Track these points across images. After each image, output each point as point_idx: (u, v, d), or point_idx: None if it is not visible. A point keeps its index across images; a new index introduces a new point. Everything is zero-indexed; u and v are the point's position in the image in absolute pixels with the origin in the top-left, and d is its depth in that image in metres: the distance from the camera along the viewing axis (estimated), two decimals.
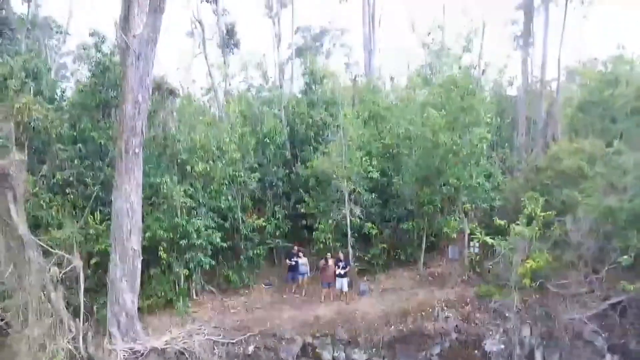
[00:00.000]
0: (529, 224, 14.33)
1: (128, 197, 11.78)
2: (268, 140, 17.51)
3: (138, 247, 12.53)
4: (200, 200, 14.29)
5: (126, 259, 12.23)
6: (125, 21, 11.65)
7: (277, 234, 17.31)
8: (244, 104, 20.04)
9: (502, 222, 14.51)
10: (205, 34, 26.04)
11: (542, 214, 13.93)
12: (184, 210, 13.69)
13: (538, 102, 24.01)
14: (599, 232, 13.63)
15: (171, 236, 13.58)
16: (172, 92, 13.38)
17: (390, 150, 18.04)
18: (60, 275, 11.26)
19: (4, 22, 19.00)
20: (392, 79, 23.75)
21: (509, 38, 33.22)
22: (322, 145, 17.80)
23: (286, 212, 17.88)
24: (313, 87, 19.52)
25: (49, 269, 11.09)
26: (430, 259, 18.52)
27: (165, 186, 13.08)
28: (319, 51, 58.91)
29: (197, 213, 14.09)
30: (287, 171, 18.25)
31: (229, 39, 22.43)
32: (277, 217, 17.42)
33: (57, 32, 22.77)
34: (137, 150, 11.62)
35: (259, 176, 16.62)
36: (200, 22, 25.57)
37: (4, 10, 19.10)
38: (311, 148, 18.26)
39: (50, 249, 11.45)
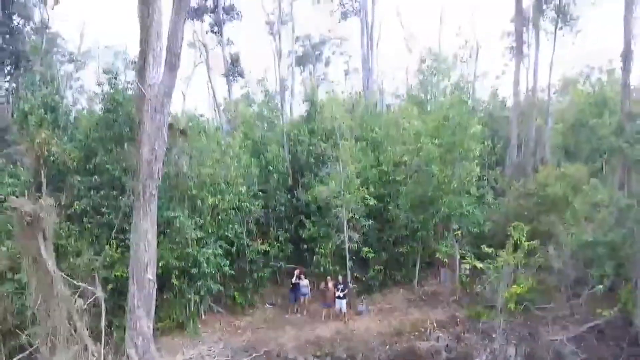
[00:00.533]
0: (514, 251, 15.44)
1: (145, 235, 12.83)
2: (271, 168, 18.60)
3: (153, 278, 13.58)
4: (210, 231, 15.38)
5: (143, 288, 13.29)
6: (142, 71, 12.68)
7: (280, 256, 18.43)
8: (247, 129, 21.16)
9: (490, 250, 15.60)
10: (207, 44, 26.98)
11: (527, 242, 15.02)
12: (195, 241, 14.78)
13: (529, 122, 25.11)
14: (579, 260, 14.72)
15: (183, 265, 14.68)
16: (182, 132, 14.44)
17: (387, 176, 19.14)
18: (85, 306, 12.34)
19: (21, 54, 20.05)
20: (388, 107, 24.73)
21: (505, 49, 34.44)
22: (322, 171, 18.91)
23: (288, 235, 19.00)
24: (313, 114, 20.58)
25: (75, 301, 12.17)
26: (424, 278, 19.67)
27: (178, 221, 14.18)
28: (319, 59, 60.15)
29: (206, 242, 15.19)
30: (289, 196, 19.36)
31: (233, 68, 23.48)
32: (280, 240, 18.55)
33: (69, 61, 23.81)
34: (153, 192, 12.67)
35: (263, 203, 17.73)
36: (205, 46, 26.69)
37: (20, 43, 20.17)
38: (312, 174, 19.35)
39: (76, 283, 12.53)
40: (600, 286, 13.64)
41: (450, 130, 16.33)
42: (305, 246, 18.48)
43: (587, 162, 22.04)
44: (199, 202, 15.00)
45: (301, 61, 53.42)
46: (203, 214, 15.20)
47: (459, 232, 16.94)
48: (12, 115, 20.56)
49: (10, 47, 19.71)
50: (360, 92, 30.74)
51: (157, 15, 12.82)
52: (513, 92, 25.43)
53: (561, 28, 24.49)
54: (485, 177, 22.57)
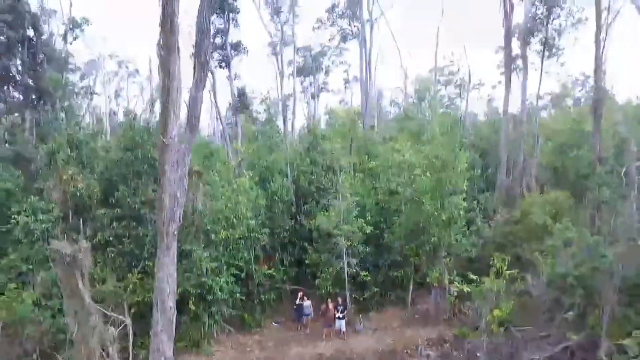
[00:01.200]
0: (497, 278, 17.12)
1: (167, 269, 14.46)
2: (277, 198, 20.28)
3: (174, 305, 15.25)
4: (222, 261, 17.08)
5: (165, 315, 14.96)
6: (164, 125, 14.31)
7: (284, 278, 20.14)
8: (252, 154, 22.86)
9: (475, 277, 17.26)
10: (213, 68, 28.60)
11: (508, 272, 16.70)
12: (209, 271, 16.46)
13: (518, 147, 26.73)
14: (554, 287, 16.38)
15: (199, 292, 16.38)
16: (198, 174, 16.09)
17: (383, 204, 20.80)
18: (116, 333, 14.09)
19: (44, 90, 21.66)
20: (384, 139, 26.24)
21: (500, 62, 35.91)
22: (324, 199, 20.57)
23: (292, 258, 20.71)
24: (315, 145, 22.24)
25: (108, 329, 13.90)
26: (417, 297, 21.35)
27: (195, 254, 15.88)
28: (319, 69, 61.86)
29: (219, 271, 16.86)
30: (293, 222, 21.04)
31: (240, 101, 25.10)
32: (284, 263, 20.26)
33: (86, 94, 25.38)
34: (175, 232, 14.29)
35: (269, 230, 19.42)
36: (212, 73, 28.26)
37: (43, 79, 21.76)
38: (314, 202, 21.02)
39: (107, 313, 14.25)
40: (570, 313, 15.31)
41: (439, 167, 17.99)
42: (308, 270, 20.16)
43: (572, 185, 23.64)
44: (212, 235, 16.68)
45: (302, 72, 55.08)
46: (217, 245, 16.88)
47: (448, 258, 18.61)
48: (35, 146, 22.13)
49: (34, 83, 21.34)
50: (359, 111, 32.37)
51: (177, 73, 14.44)
52: (503, 118, 27.01)
53: (548, 58, 26.08)
54: (475, 199, 24.22)
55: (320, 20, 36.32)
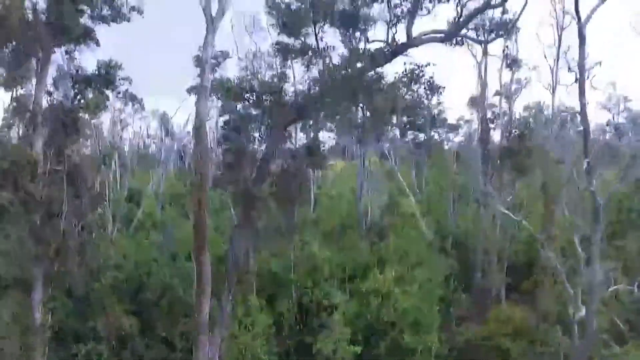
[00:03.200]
0: None
1: None
2: (282, 320, 24.44)
3: None
4: None
5: None
6: (198, 308, 18.33)
7: None
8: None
9: None
10: None
11: None
12: None
13: (492, 249, 30.49)
14: None
15: None
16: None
17: (372, 321, 24.88)
18: None
19: (85, 222, 25.89)
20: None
21: None
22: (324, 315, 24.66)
23: None
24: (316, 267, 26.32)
25: None
26: None
27: None
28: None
29: None
30: (297, 339, 25.16)
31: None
32: None
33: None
34: None
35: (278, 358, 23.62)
36: None
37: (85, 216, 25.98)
38: (314, 320, 25.10)
39: None
40: None
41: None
42: None
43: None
44: None
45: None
46: None
47: None
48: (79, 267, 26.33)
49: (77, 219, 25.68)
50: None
51: (208, 275, 18.42)
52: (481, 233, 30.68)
53: None
54: (450, 304, 28.16)
55: None
